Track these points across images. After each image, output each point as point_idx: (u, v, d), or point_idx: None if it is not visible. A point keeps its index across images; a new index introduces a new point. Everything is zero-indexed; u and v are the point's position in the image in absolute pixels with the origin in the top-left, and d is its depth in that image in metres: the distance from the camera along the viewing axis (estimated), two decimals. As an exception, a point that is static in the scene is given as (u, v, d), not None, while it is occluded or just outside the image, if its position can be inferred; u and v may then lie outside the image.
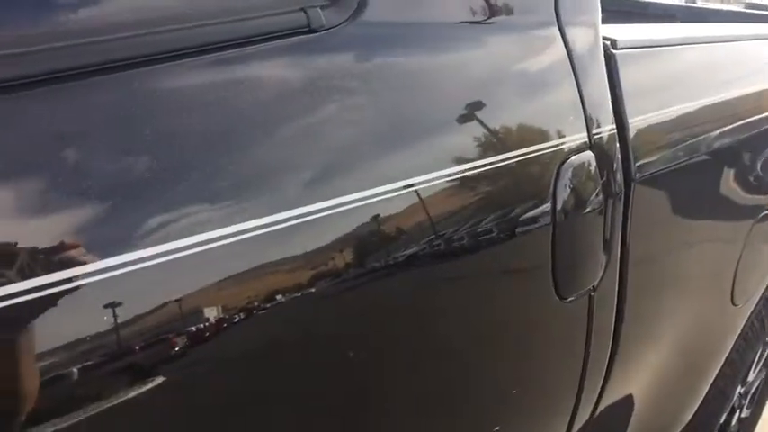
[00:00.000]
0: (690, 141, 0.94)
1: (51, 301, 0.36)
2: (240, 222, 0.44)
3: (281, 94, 0.50)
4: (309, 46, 0.52)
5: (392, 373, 0.60)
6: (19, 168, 0.38)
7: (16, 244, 0.36)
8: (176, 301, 0.42)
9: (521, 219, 0.69)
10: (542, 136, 0.71)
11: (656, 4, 2.28)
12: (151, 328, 0.41)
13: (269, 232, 0.45)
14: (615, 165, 0.82)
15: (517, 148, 0.68)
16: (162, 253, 0.40)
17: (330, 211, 0.48)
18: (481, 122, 0.66)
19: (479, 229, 0.65)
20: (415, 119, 0.58)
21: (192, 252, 0.42)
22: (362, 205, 0.50)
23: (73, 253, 0.37)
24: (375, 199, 0.52)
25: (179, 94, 0.46)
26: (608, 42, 0.87)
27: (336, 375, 0.54)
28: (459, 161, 0.62)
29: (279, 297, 0.47)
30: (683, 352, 1.12)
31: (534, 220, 0.70)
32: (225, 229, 0.43)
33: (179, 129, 0.45)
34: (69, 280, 0.37)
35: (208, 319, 0.43)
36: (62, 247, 0.37)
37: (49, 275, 0.36)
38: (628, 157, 0.87)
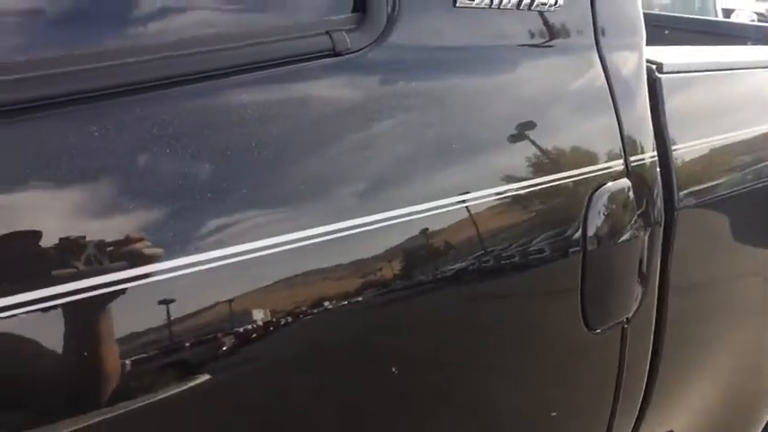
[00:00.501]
0: (738, 170, 0.90)
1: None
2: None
3: (306, 115, 0.51)
4: (334, 68, 0.52)
5: (415, 386, 0.60)
6: (94, 172, 0.41)
7: (90, 243, 0.39)
8: (229, 302, 0.45)
9: (550, 245, 0.67)
10: (575, 162, 0.69)
11: (729, 23, 2.21)
12: (207, 329, 0.44)
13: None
14: (655, 193, 0.79)
15: (547, 174, 0.66)
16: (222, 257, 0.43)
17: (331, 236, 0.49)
18: (508, 147, 0.65)
19: (507, 253, 0.63)
20: (437, 142, 0.58)
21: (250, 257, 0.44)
22: (369, 230, 0.51)
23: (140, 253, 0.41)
24: (386, 223, 0.52)
25: (213, 112, 0.47)
26: (653, 66, 0.84)
27: (373, 384, 0.55)
28: (485, 185, 0.61)
29: (328, 305, 0.49)
30: (728, 390, 1.06)
31: (563, 247, 0.68)
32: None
33: (211, 144, 0.46)
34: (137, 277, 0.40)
35: (258, 323, 0.46)
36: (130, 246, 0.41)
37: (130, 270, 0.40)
38: (671, 184, 0.84)
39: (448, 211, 0.58)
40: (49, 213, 0.39)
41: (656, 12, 2.77)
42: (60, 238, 0.38)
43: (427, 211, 0.56)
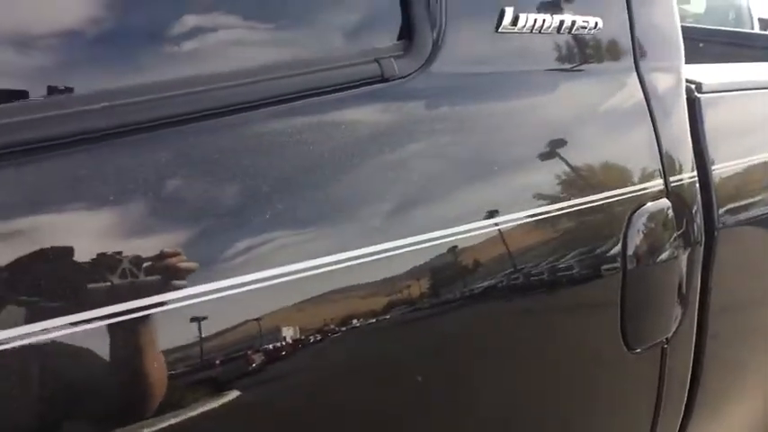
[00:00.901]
0: None
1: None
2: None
3: (355, 139, 0.53)
4: (383, 93, 0.54)
5: (452, 407, 0.61)
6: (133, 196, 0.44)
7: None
8: (258, 321, 0.47)
9: (590, 266, 0.68)
10: (615, 183, 0.70)
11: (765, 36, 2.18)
12: (241, 347, 0.46)
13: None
14: (695, 212, 0.79)
15: (587, 195, 0.67)
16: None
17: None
18: (549, 168, 0.66)
19: (547, 274, 0.64)
20: (482, 165, 0.59)
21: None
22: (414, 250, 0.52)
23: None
24: (435, 242, 0.53)
25: (273, 136, 0.50)
26: (692, 86, 0.85)
27: (407, 405, 0.56)
28: (527, 205, 0.63)
29: (356, 323, 0.51)
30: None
31: (603, 267, 0.69)
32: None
33: (267, 169, 0.48)
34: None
35: (289, 342, 0.48)
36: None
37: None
38: (711, 204, 0.84)
39: (491, 231, 0.59)
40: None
41: (689, 23, 2.75)
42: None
43: (473, 230, 0.57)
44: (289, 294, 0.47)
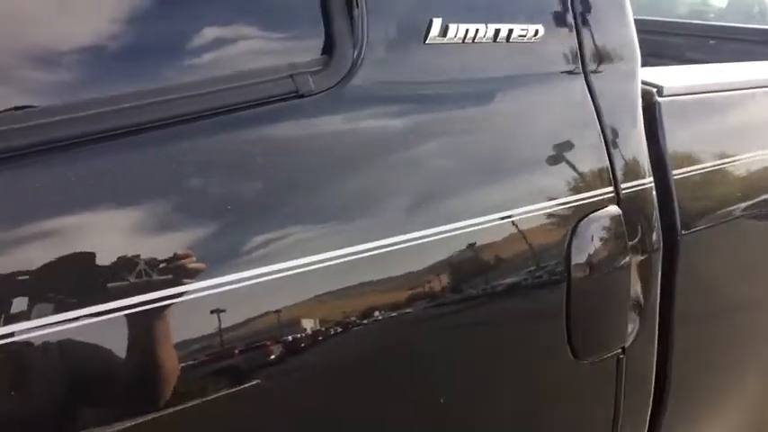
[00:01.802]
0: (745, 194, 0.87)
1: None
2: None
3: (267, 154, 0.53)
4: (297, 109, 0.54)
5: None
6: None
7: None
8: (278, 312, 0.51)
9: (533, 276, 0.67)
10: (559, 191, 0.69)
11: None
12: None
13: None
14: (653, 220, 0.78)
15: (530, 204, 0.66)
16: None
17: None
18: (489, 178, 0.66)
19: (488, 284, 0.64)
20: (405, 180, 0.59)
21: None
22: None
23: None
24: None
25: (194, 152, 0.51)
26: (653, 90, 0.83)
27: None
28: (465, 216, 0.62)
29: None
30: (748, 420, 1.02)
31: (547, 278, 0.68)
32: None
33: (177, 189, 0.49)
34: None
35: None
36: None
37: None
38: (672, 210, 0.82)
39: (426, 243, 0.59)
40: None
41: (711, 19, 2.68)
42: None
43: (397, 244, 0.57)
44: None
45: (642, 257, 0.76)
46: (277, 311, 0.51)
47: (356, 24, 0.58)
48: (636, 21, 0.78)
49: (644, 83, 0.84)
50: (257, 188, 0.52)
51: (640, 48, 0.79)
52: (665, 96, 0.83)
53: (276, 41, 0.58)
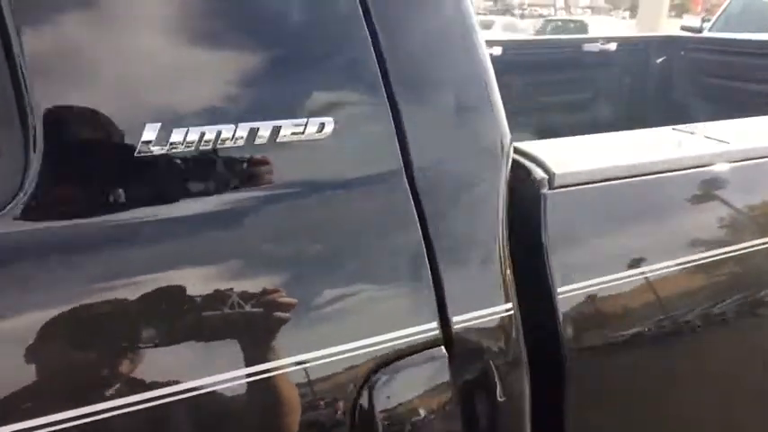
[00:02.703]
0: (646, 314, 0.65)
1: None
2: None
3: None
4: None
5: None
6: None
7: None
8: None
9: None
10: (347, 332, 0.53)
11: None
12: None
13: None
14: (512, 354, 0.59)
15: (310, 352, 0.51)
16: None
17: None
18: (236, 334, 0.50)
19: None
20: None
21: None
22: None
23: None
24: None
25: None
26: (542, 178, 0.64)
27: None
28: (224, 368, 0.48)
29: None
30: None
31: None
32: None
33: None
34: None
35: None
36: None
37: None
38: (557, 335, 0.63)
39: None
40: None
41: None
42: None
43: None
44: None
45: (488, 402, 0.58)
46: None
47: (28, 138, 0.45)
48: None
49: (533, 161, 0.66)
50: None
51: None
52: (555, 188, 0.64)
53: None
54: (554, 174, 0.64)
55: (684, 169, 0.67)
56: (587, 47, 2.52)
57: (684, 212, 0.69)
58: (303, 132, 0.52)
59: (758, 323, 0.76)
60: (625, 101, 2.56)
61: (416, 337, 0.54)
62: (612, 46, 2.52)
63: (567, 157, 0.67)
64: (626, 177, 0.66)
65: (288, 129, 0.52)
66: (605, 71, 2.53)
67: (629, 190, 0.66)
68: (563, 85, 2.45)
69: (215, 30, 0.51)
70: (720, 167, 0.69)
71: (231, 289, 0.49)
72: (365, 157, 0.56)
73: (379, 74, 0.55)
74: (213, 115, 0.50)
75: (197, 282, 0.49)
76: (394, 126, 0.56)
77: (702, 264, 0.67)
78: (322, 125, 0.53)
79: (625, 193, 0.66)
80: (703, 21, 5.07)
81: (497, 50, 2.24)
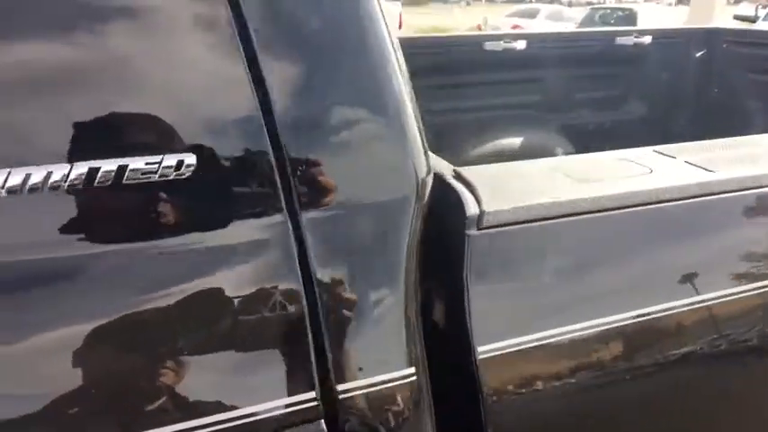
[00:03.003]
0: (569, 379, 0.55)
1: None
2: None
3: None
4: None
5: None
6: None
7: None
8: None
9: None
10: (208, 404, 0.45)
11: None
12: None
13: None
14: (410, 425, 0.50)
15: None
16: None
17: None
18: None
19: None
20: None
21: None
22: None
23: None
24: None
25: None
26: (470, 216, 0.55)
27: None
28: None
29: None
30: None
31: None
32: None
33: None
34: None
35: None
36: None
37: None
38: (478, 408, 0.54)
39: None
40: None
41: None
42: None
43: None
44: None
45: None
46: None
47: None
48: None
49: (460, 193, 0.56)
50: None
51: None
52: (483, 228, 0.55)
53: None
54: (483, 212, 0.55)
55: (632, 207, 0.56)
56: (620, 40, 2.35)
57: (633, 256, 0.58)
58: (155, 172, 0.45)
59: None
60: (661, 98, 2.38)
61: (288, 410, 0.46)
62: (647, 39, 2.34)
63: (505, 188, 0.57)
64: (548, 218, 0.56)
65: (136, 166, 0.44)
66: (639, 66, 2.36)
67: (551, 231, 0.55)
68: (592, 81, 2.29)
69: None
70: (677, 205, 0.58)
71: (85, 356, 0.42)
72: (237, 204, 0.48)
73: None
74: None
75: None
76: (275, 166, 0.47)
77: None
78: (181, 162, 0.45)
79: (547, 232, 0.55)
80: (758, 9, 4.74)
81: (521, 44, 2.11)
